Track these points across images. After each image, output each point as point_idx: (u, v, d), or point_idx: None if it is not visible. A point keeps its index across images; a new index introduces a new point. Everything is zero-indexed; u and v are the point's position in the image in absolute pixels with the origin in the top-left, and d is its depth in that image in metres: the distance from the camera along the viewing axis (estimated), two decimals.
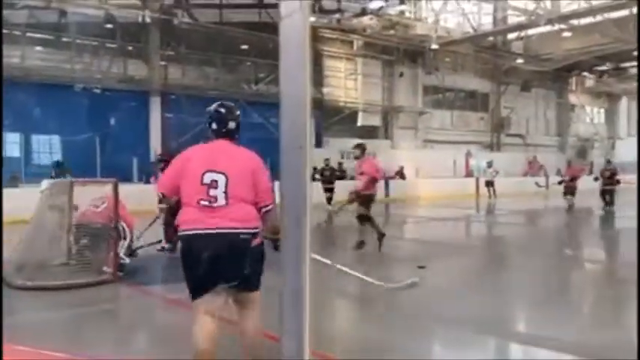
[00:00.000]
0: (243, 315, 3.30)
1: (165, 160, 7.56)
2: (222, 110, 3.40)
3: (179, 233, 3.24)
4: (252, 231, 3.18)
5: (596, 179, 16.10)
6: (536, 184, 17.50)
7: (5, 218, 7.99)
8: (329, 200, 16.72)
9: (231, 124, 3.36)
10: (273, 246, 3.38)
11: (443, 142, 26.96)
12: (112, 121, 17.73)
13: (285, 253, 1.12)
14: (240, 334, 3.32)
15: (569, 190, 15.67)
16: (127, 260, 7.03)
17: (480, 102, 29.56)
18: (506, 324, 5.21)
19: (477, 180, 23.38)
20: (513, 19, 25.58)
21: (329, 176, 17.51)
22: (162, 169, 7.14)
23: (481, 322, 4.99)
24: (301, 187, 1.07)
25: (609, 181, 15.43)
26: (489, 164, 21.56)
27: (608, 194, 15.42)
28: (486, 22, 26.60)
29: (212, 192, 3.14)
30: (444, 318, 5.10)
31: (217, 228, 3.11)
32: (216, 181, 3.15)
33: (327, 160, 17.99)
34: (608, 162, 17.01)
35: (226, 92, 20.71)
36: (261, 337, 3.27)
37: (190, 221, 3.16)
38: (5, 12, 16.69)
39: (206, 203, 3.13)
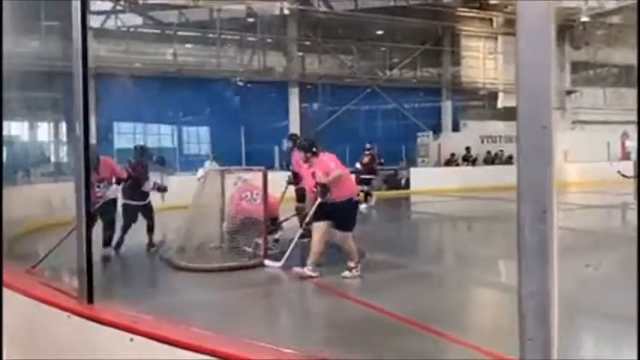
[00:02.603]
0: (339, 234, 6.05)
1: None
2: (310, 141, 6.51)
3: (348, 198, 6.07)
4: None
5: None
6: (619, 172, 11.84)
7: (163, 205, 8.55)
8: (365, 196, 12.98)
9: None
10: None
11: (595, 123, 24.66)
12: (254, 112, 18.49)
13: (526, 252, 0.96)
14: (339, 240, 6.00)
15: None
16: (275, 249, 7.30)
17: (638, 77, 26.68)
18: None
19: (636, 164, 21.14)
20: None
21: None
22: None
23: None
24: (546, 173, 0.91)
25: None
26: None
27: None
28: None
29: None
30: (597, 312, 4.76)
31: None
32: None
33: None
34: None
35: (360, 79, 20.76)
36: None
37: (354, 192, 6.40)
38: (158, 13, 18.10)
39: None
